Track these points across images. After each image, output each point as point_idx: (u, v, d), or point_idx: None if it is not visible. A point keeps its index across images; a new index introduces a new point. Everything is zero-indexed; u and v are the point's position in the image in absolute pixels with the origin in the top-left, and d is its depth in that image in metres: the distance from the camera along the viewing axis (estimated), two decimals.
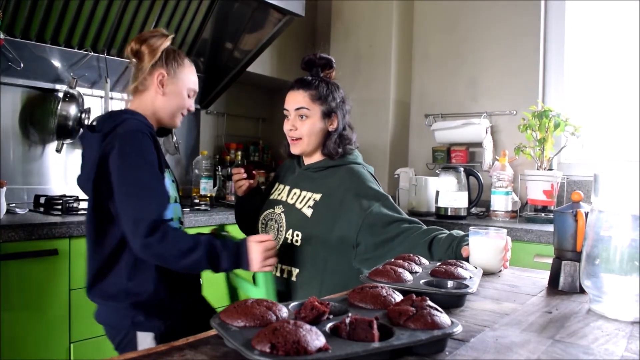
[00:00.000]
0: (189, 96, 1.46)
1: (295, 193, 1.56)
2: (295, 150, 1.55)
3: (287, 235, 1.50)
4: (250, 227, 1.68)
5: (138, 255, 1.27)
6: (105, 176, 1.28)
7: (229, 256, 1.30)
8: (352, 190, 1.47)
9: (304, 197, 1.53)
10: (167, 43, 1.40)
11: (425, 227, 1.42)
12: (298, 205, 1.52)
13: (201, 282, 1.50)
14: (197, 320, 1.35)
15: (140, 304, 1.31)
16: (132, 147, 1.28)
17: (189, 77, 1.45)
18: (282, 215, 1.53)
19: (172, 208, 1.38)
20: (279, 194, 1.61)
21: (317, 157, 1.57)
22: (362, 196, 1.45)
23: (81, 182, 1.39)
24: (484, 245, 1.23)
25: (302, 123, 1.51)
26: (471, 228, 1.26)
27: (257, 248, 1.31)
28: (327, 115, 1.52)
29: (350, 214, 1.44)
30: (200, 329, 1.37)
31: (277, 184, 1.66)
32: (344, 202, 1.46)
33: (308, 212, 1.49)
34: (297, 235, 1.48)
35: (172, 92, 1.41)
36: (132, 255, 1.30)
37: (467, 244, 1.26)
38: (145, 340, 1.32)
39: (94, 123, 1.41)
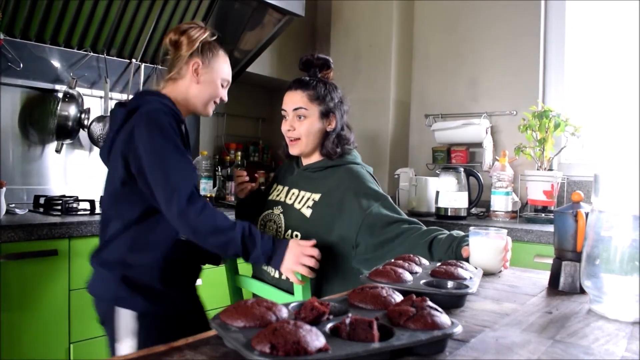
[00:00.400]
0: (222, 86, 1.49)
1: (293, 193, 1.56)
2: (293, 150, 1.55)
3: (285, 236, 1.49)
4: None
5: (173, 224, 1.28)
6: (132, 152, 1.30)
7: (263, 245, 1.30)
8: (351, 190, 1.46)
9: (303, 197, 1.52)
10: (205, 35, 1.44)
11: (425, 227, 1.42)
12: (297, 206, 1.52)
13: (199, 279, 1.50)
14: (185, 313, 1.39)
15: (129, 279, 1.32)
16: (156, 125, 1.30)
17: (223, 67, 1.48)
18: (281, 215, 1.53)
19: None
20: (277, 195, 1.60)
21: (316, 158, 1.57)
22: (361, 196, 1.45)
23: (101, 153, 1.43)
24: (484, 246, 1.23)
25: (300, 123, 1.51)
26: (471, 228, 1.26)
27: (296, 249, 1.31)
28: (325, 115, 1.53)
29: (349, 213, 1.43)
30: (186, 324, 1.38)
31: (275, 185, 1.66)
32: (343, 202, 1.45)
33: (307, 212, 1.48)
34: (296, 236, 1.47)
35: (206, 80, 1.45)
36: (144, 230, 1.33)
37: (467, 244, 1.26)
38: (126, 318, 1.32)
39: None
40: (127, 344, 1.32)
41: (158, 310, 1.34)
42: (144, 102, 1.35)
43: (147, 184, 1.29)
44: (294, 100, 1.52)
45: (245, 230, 1.29)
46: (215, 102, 1.49)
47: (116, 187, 1.34)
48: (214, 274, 1.80)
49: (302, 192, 1.54)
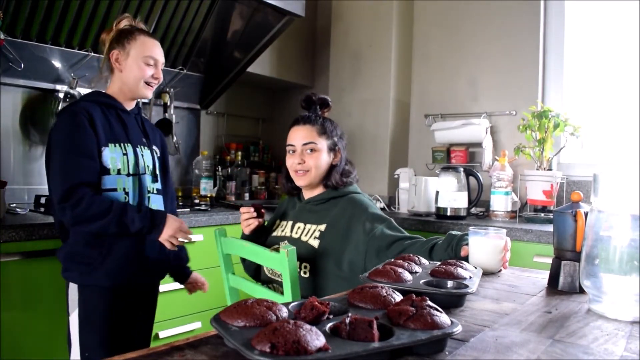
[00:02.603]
0: (149, 64, 1.56)
1: (299, 227, 1.57)
2: (300, 182, 1.57)
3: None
4: (255, 265, 1.66)
5: (60, 218, 1.46)
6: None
7: (142, 219, 1.43)
8: (356, 217, 1.49)
9: (309, 229, 1.54)
10: (112, 34, 1.57)
11: (425, 239, 1.43)
12: (304, 238, 1.53)
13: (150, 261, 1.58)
14: (123, 285, 1.52)
15: (68, 255, 1.48)
16: (57, 127, 1.47)
17: (140, 47, 1.56)
18: None
19: (115, 180, 1.50)
20: (282, 230, 1.62)
21: (319, 190, 1.60)
22: (365, 220, 1.48)
23: None
24: (484, 245, 1.23)
25: (310, 156, 1.55)
26: (471, 228, 1.26)
27: (175, 224, 1.48)
28: (332, 149, 1.58)
29: (356, 239, 1.46)
30: (134, 295, 1.55)
31: (278, 222, 1.67)
32: (349, 229, 1.48)
33: (315, 243, 1.50)
34: (305, 267, 1.49)
35: (128, 65, 1.55)
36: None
37: (467, 244, 1.26)
38: (72, 291, 1.49)
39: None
40: (74, 315, 1.47)
41: (97, 281, 1.47)
42: (71, 104, 1.50)
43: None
44: (303, 135, 1.55)
45: (120, 211, 1.41)
46: (147, 83, 1.57)
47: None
48: (218, 273, 1.80)
49: (308, 225, 1.55)
